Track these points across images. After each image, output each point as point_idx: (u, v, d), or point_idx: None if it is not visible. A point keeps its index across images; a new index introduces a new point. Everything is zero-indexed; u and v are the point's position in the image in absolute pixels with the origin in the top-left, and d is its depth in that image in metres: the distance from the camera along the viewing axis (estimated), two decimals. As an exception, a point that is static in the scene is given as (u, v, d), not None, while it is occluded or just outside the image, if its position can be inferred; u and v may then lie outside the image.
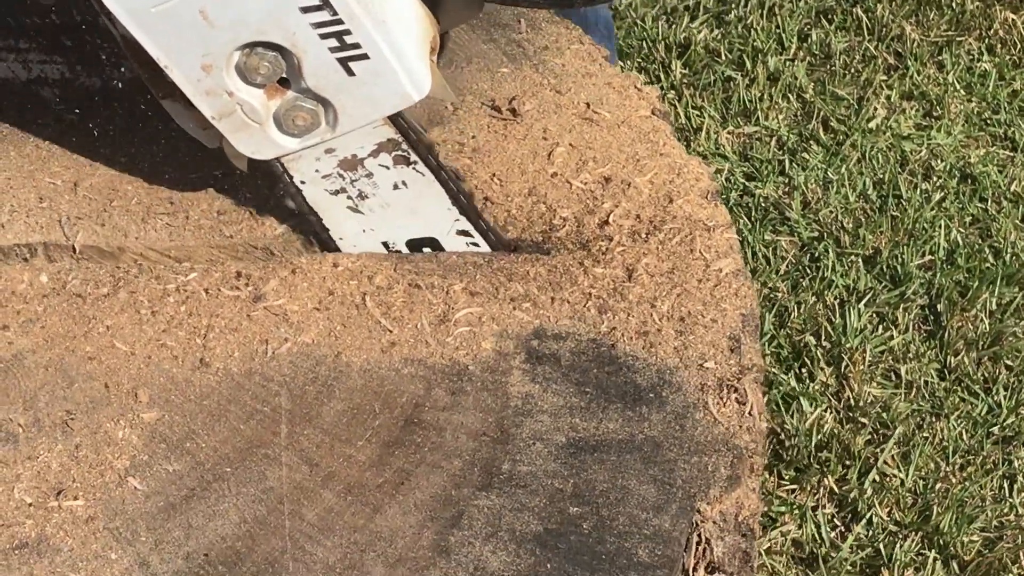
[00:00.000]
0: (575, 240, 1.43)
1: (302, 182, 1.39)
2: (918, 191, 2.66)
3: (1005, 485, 2.20)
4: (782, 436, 2.24)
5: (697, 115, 2.79)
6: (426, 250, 1.43)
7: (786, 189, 2.66)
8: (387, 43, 1.27)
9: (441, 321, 1.35)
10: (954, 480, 2.18)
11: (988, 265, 2.52)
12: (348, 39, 1.26)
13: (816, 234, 2.57)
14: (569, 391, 1.31)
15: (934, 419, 2.28)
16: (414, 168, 1.38)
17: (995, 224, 2.61)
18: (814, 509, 2.16)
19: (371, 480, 1.24)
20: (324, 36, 1.26)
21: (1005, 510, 2.17)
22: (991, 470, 2.21)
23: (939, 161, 2.73)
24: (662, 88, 2.86)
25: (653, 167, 1.49)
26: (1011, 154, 2.76)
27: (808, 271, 2.50)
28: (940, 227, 2.57)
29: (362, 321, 1.35)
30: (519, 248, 1.43)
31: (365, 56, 1.27)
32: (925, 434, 2.25)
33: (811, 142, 2.76)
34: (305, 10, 1.24)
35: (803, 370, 2.33)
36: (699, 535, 1.27)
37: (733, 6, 3.04)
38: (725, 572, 1.32)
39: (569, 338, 1.35)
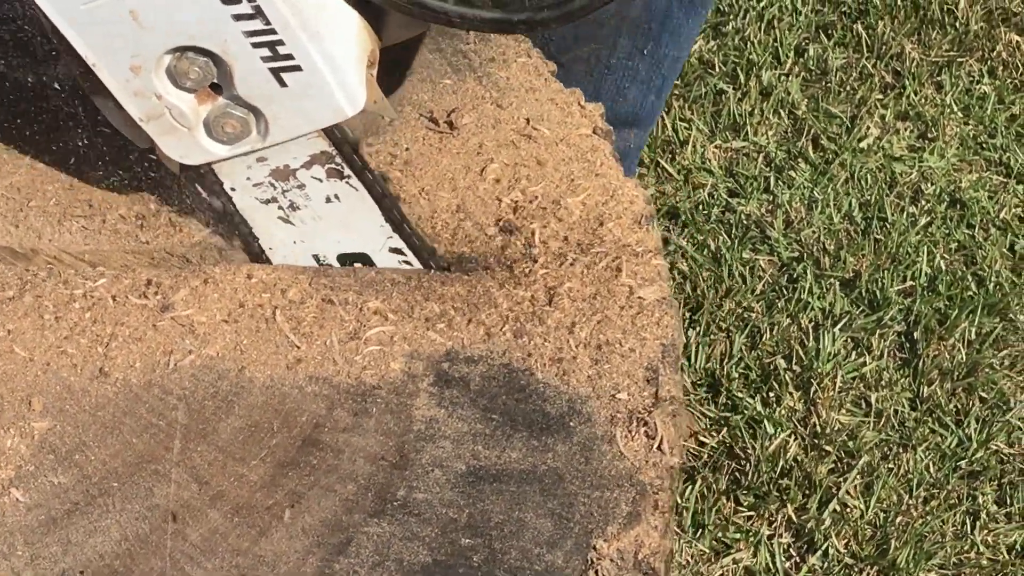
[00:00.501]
0: (499, 260, 1.40)
1: (232, 189, 1.36)
2: (904, 214, 2.62)
3: (968, 521, 2.15)
4: (744, 461, 2.20)
5: (685, 127, 2.75)
6: (357, 266, 1.40)
7: (770, 207, 2.62)
8: (321, 55, 1.23)
9: (351, 339, 1.32)
10: (915, 514, 2.14)
11: (970, 294, 2.47)
12: (281, 49, 1.23)
13: (796, 254, 2.53)
14: (475, 417, 1.27)
15: (901, 450, 2.23)
16: (347, 182, 1.35)
17: (981, 252, 2.56)
18: (770, 538, 2.12)
19: (261, 501, 1.21)
20: (256, 45, 1.23)
21: (966, 547, 2.12)
22: (955, 505, 2.17)
23: (929, 184, 2.68)
24: (653, 99, 2.82)
25: (587, 188, 1.45)
26: (1004, 180, 2.72)
27: (785, 292, 2.46)
28: (924, 252, 2.53)
29: (270, 336, 1.32)
30: (441, 265, 1.39)
31: (298, 68, 1.24)
32: (890, 465, 2.21)
33: (799, 160, 2.72)
34: (238, 18, 1.21)
35: (771, 394, 2.29)
36: (595, 573, 1.23)
37: (732, 18, 2.99)
38: (625, 611, 1.28)
39: (481, 362, 1.31)
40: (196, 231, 1.41)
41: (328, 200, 1.38)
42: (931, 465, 2.22)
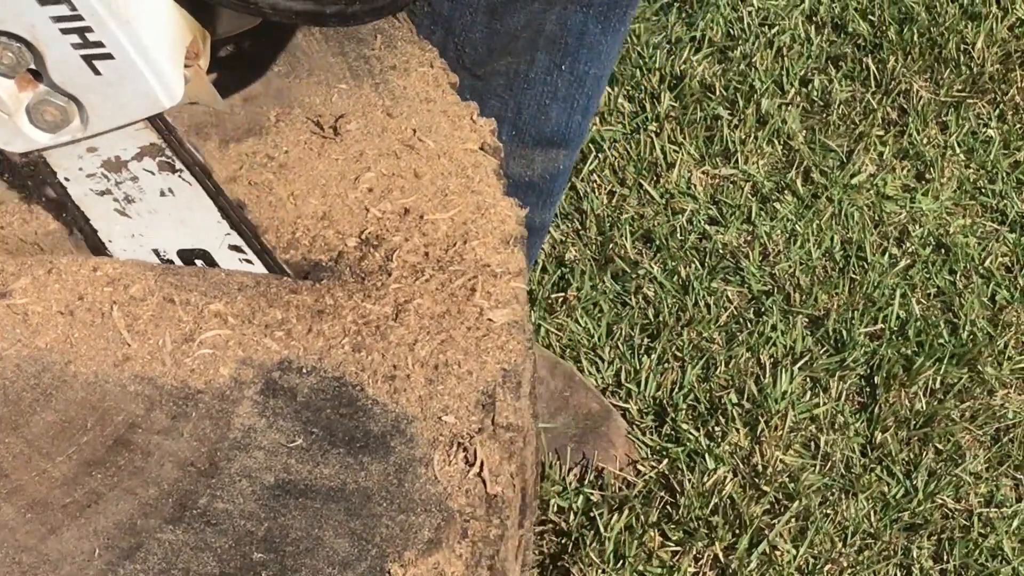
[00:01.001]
0: (355, 271, 1.37)
1: (66, 179, 1.34)
2: (886, 255, 2.56)
3: (898, 575, 2.09)
4: (679, 495, 2.15)
5: (674, 151, 2.71)
6: (198, 262, 1.37)
7: (748, 238, 2.57)
8: (132, 44, 1.21)
9: (185, 340, 1.29)
10: (846, 563, 2.09)
11: (941, 341, 2.41)
12: (90, 36, 1.21)
13: (767, 288, 2.48)
14: (295, 429, 1.25)
15: (843, 496, 2.18)
16: (180, 176, 1.33)
17: (959, 299, 2.50)
18: (694, 575, 2.07)
19: (58, 499, 1.19)
20: (65, 31, 1.21)
21: (892, 600, 2.07)
22: (889, 557, 2.11)
23: (917, 227, 2.63)
24: (646, 119, 2.78)
25: (459, 204, 1.43)
26: (996, 228, 2.65)
27: (749, 325, 2.41)
28: (899, 296, 2.47)
29: (103, 331, 1.30)
30: (296, 271, 1.37)
31: (110, 56, 1.22)
32: (829, 511, 2.16)
33: (786, 192, 2.67)
34: (43, 2, 1.19)
35: (717, 428, 2.25)
36: (393, 598, 1.20)
37: (741, 42, 2.95)
38: (427, 640, 1.25)
39: (314, 373, 1.28)
40: (51, 220, 1.39)
41: (162, 194, 1.36)
42: (872, 514, 2.17)
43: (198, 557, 1.16)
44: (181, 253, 1.37)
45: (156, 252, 1.37)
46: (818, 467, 2.20)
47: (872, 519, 2.15)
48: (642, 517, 2.10)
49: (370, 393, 1.28)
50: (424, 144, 1.48)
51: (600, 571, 2.04)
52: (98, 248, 1.37)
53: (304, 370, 1.29)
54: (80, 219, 1.36)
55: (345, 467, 1.23)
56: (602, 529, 2.08)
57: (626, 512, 2.09)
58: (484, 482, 1.25)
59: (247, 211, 1.38)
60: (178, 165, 1.32)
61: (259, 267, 1.37)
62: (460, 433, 1.25)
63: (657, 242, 2.53)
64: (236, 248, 1.36)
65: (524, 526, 1.44)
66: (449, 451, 1.24)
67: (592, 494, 2.13)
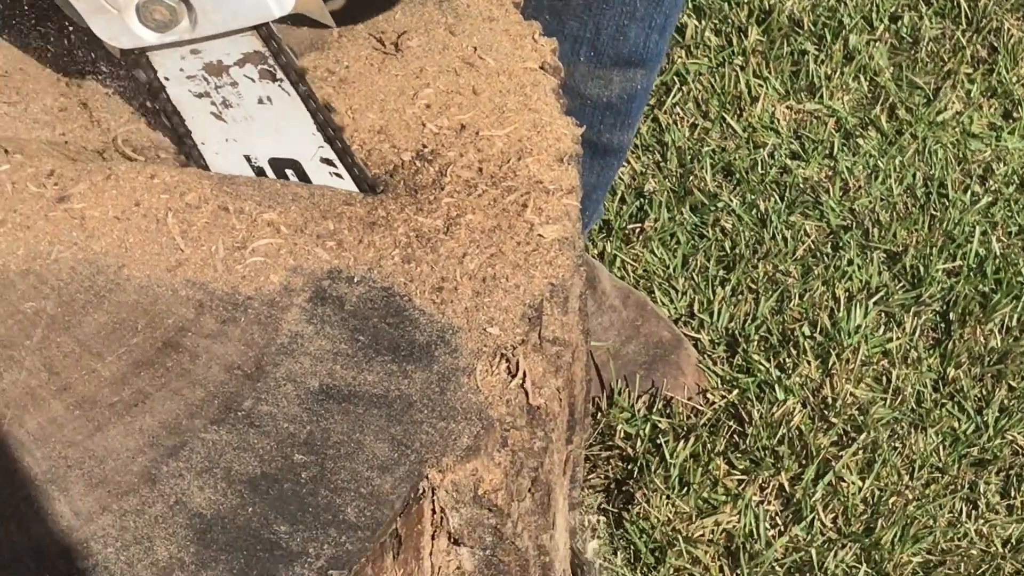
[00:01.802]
0: (409, 184, 1.38)
1: (166, 79, 1.36)
2: (968, 193, 2.53)
3: (965, 509, 2.09)
4: (747, 424, 2.15)
5: (759, 85, 2.69)
6: (289, 172, 1.39)
7: (830, 173, 2.55)
8: None
9: (238, 248, 1.31)
10: (911, 496, 2.08)
11: (1019, 279, 2.38)
12: None
13: (846, 223, 2.47)
14: (342, 337, 1.26)
15: (912, 430, 2.17)
16: (280, 86, 1.35)
17: (1041, 237, 2.47)
18: (758, 504, 2.07)
19: (106, 397, 1.21)
20: None
21: (958, 535, 2.06)
22: (955, 491, 2.10)
23: (1001, 165, 2.60)
24: (732, 53, 2.77)
25: (515, 121, 1.43)
26: (1084, 168, 2.61)
27: (825, 259, 2.40)
28: (978, 233, 2.44)
29: (158, 237, 1.32)
30: (385, 186, 1.38)
31: None
32: (897, 444, 2.15)
33: (870, 128, 2.65)
34: None
35: (788, 360, 2.24)
36: (434, 504, 1.22)
37: (832, -22, 2.92)
38: (467, 546, 1.26)
39: (363, 283, 1.30)
40: (115, 127, 1.41)
41: (260, 101, 1.37)
42: (940, 448, 2.16)
43: (240, 457, 1.18)
44: (273, 162, 1.38)
45: (247, 158, 1.38)
46: (888, 401, 2.19)
47: (941, 453, 2.14)
48: (708, 445, 2.10)
49: (417, 303, 1.29)
50: (484, 62, 1.49)
51: (664, 497, 2.05)
52: (188, 152, 1.39)
53: (353, 279, 1.30)
54: (175, 120, 1.37)
55: (389, 374, 1.24)
56: (668, 456, 2.09)
57: (692, 440, 2.10)
58: (526, 393, 1.26)
59: (343, 131, 1.39)
60: (279, 75, 1.33)
61: (348, 182, 1.38)
62: (504, 344, 1.26)
63: (737, 175, 2.52)
64: (327, 161, 1.37)
65: (573, 442, 1.45)
66: (492, 362, 1.25)
67: (660, 421, 2.13)
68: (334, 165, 1.38)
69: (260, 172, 1.40)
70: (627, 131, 2.04)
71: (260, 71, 1.35)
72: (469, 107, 1.44)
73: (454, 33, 1.52)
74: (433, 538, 1.24)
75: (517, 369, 1.25)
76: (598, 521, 2.03)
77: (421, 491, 1.18)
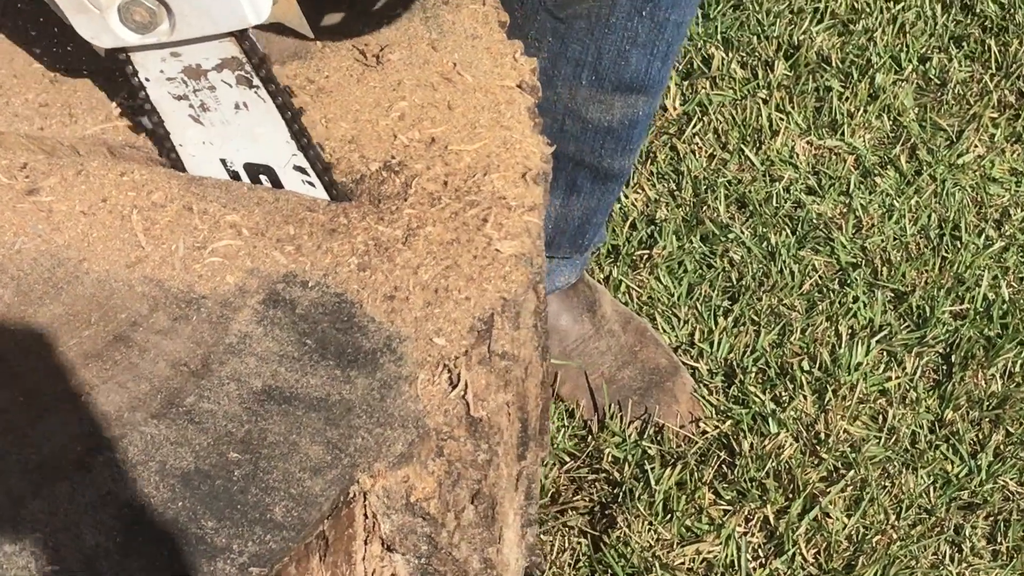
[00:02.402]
0: (374, 194, 1.40)
1: (147, 79, 1.38)
2: (982, 237, 2.53)
3: (948, 551, 2.08)
4: (737, 455, 2.16)
5: (781, 119, 2.70)
6: (263, 177, 1.41)
7: (844, 210, 2.55)
8: None
9: (198, 247, 1.34)
10: (895, 536, 2.08)
11: (1025, 326, 2.38)
12: None
13: (856, 260, 2.46)
14: (290, 339, 1.28)
15: (903, 470, 2.17)
16: (256, 92, 1.37)
17: (1052, 285, 2.46)
18: (741, 535, 2.08)
19: (52, 386, 1.23)
20: None
21: (939, 576, 2.05)
22: (941, 533, 2.10)
23: (1019, 210, 2.59)
24: (757, 86, 2.77)
25: (486, 137, 1.45)
26: (1103, 218, 2.60)
27: (831, 295, 2.40)
28: (988, 277, 2.44)
29: (121, 233, 1.35)
30: (352, 195, 1.40)
31: None
32: (886, 483, 2.14)
33: (889, 167, 2.65)
34: None
35: (784, 394, 2.24)
36: (365, 509, 1.23)
37: (863, 16, 2.92)
38: (400, 553, 1.28)
39: (316, 288, 1.32)
40: (91, 124, 1.44)
41: (237, 107, 1.39)
42: (931, 490, 2.15)
43: (176, 452, 1.20)
44: (247, 167, 1.41)
45: (224, 162, 1.41)
46: (882, 440, 2.19)
47: (931, 495, 2.13)
48: (696, 474, 2.11)
49: (368, 311, 1.31)
50: (462, 78, 1.51)
51: (646, 523, 2.05)
52: (168, 153, 1.41)
53: (308, 284, 1.32)
54: (154, 119, 1.40)
55: (332, 379, 1.26)
56: (652, 482, 2.09)
57: (680, 467, 2.10)
58: (468, 405, 1.27)
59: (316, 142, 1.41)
60: (255, 81, 1.36)
61: (320, 190, 1.40)
62: (448, 355, 1.27)
63: (751, 207, 2.53)
64: (300, 169, 1.40)
65: (527, 458, 1.46)
66: (435, 371, 1.26)
67: (649, 448, 2.14)
68: (306, 173, 1.40)
69: (235, 176, 1.42)
70: (628, 156, 2.05)
71: (237, 76, 1.37)
72: (442, 121, 1.46)
73: (436, 48, 1.53)
74: (366, 543, 1.25)
75: (458, 380, 1.26)
76: (578, 543, 2.04)
77: (352, 495, 1.20)
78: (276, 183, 1.42)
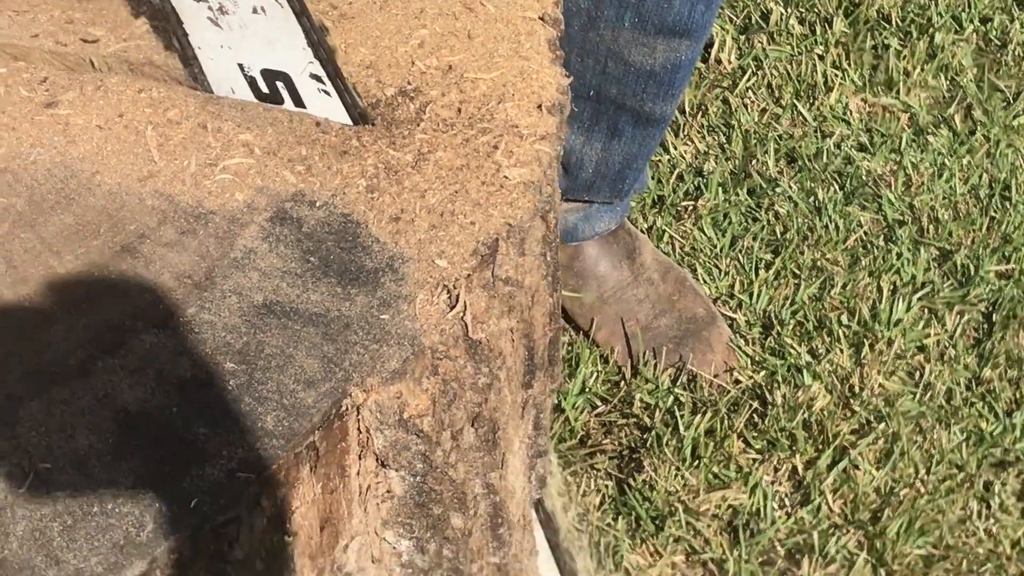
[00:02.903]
0: (387, 118, 1.41)
1: None
2: (1033, 198, 2.51)
3: (976, 507, 2.07)
4: (770, 406, 2.16)
5: (836, 75, 2.69)
6: (279, 84, 1.42)
7: (894, 167, 2.54)
8: None
9: (209, 164, 1.35)
10: (924, 490, 2.07)
11: (1071, 288, 2.36)
12: None
13: (903, 218, 2.45)
14: (294, 256, 1.30)
15: (937, 426, 2.16)
16: None
17: (1100, 249, 2.44)
18: (770, 483, 2.08)
19: (57, 293, 1.26)
20: None
21: (965, 532, 2.04)
22: (970, 489, 2.09)
23: (1072, 173, 2.56)
24: (814, 42, 2.76)
25: (503, 67, 1.46)
26: None
27: (875, 251, 2.39)
28: (1037, 238, 2.42)
29: (135, 148, 1.36)
30: (369, 109, 1.41)
31: None
32: (918, 438, 2.14)
33: (943, 126, 2.63)
34: None
35: (821, 347, 2.24)
36: (359, 424, 1.25)
37: (926, -25, 2.90)
38: (394, 469, 1.29)
39: (324, 208, 1.33)
40: (114, 42, 1.46)
41: (255, 11, 1.41)
42: (963, 447, 2.14)
43: (174, 360, 1.22)
44: (264, 72, 1.42)
45: (241, 67, 1.42)
46: (917, 396, 2.18)
47: (963, 451, 2.12)
48: (726, 422, 2.11)
49: (373, 231, 1.32)
50: (484, 8, 1.51)
51: (673, 468, 2.06)
52: (187, 59, 1.43)
53: (315, 203, 1.33)
54: (174, 20, 1.41)
55: (332, 296, 1.27)
56: (682, 428, 2.09)
57: (709, 415, 2.10)
58: (466, 326, 1.28)
59: (327, 36, 1.41)
60: None
61: (335, 100, 1.41)
62: (449, 277, 1.28)
63: (800, 162, 2.52)
64: (316, 77, 1.41)
65: (533, 387, 1.47)
66: (434, 292, 1.27)
67: (681, 395, 2.14)
68: (322, 82, 1.41)
69: (252, 82, 1.43)
70: (670, 102, 2.05)
71: None
72: (461, 50, 1.47)
73: (461, -22, 1.54)
74: (360, 458, 1.27)
75: (456, 301, 1.27)
76: (605, 486, 2.05)
77: (344, 408, 1.21)
78: (292, 90, 1.43)
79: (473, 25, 1.50)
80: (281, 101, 1.41)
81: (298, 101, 1.41)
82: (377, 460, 1.28)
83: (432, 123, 1.40)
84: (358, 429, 1.25)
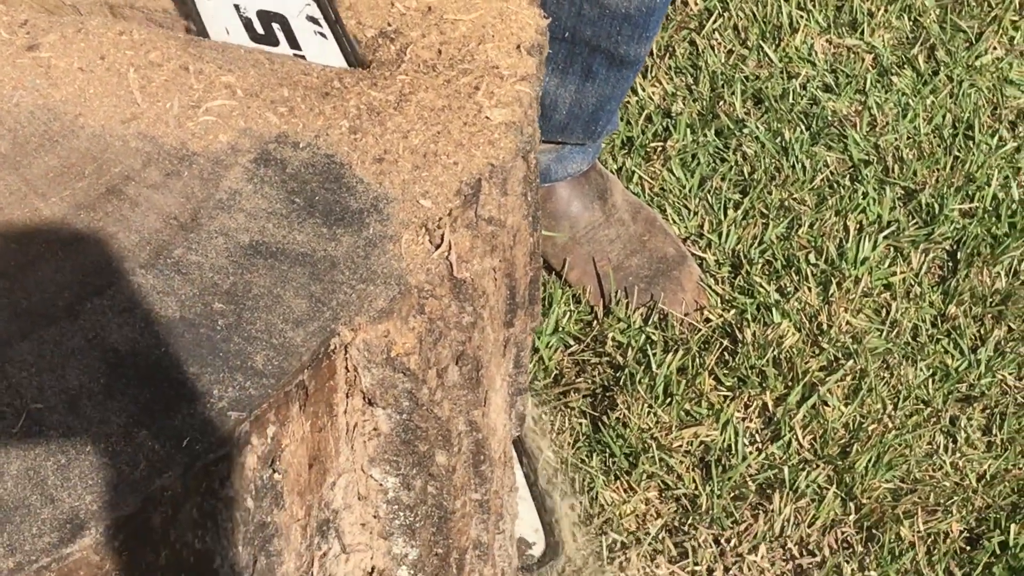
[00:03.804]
0: (367, 61, 1.42)
1: None
2: (995, 137, 2.53)
3: (943, 442, 2.10)
4: (741, 344, 2.18)
5: (801, 16, 2.70)
6: (275, 25, 1.42)
7: (859, 108, 2.56)
8: None
9: (192, 106, 1.36)
10: (891, 425, 2.10)
11: (1034, 225, 2.39)
12: None
13: (868, 158, 2.47)
14: (278, 197, 1.31)
15: (903, 362, 2.19)
16: None
17: (1063, 186, 2.47)
18: (740, 420, 2.10)
19: (44, 235, 1.26)
20: None
21: (933, 467, 2.08)
22: (936, 423, 2.12)
23: (1035, 112, 2.59)
24: (778, -16, 2.77)
25: (482, 8, 1.46)
26: (1119, 121, 2.60)
27: (841, 191, 2.41)
28: (999, 176, 2.44)
29: (117, 90, 1.37)
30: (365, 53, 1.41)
31: None
32: (885, 374, 2.17)
33: (906, 67, 2.65)
34: None
35: (789, 285, 2.26)
36: (347, 362, 1.26)
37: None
38: (381, 407, 1.31)
39: (307, 149, 1.34)
40: (94, -13, 1.46)
41: None
42: (929, 383, 2.17)
43: (162, 300, 1.23)
44: (260, 14, 1.42)
45: (236, 7, 1.42)
46: (884, 332, 2.21)
47: (929, 387, 2.15)
48: (698, 360, 2.13)
49: (357, 172, 1.33)
50: (463, -50, 1.52)
51: (646, 405, 2.08)
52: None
53: (299, 145, 1.34)
54: None
55: (318, 236, 1.28)
56: (654, 367, 2.12)
57: (681, 353, 2.13)
58: (451, 265, 1.29)
59: None
60: None
61: (331, 42, 1.41)
62: (433, 217, 1.29)
63: (766, 103, 2.54)
64: (312, 20, 1.41)
65: (515, 326, 1.49)
66: (419, 232, 1.29)
67: (653, 334, 2.16)
68: (319, 24, 1.42)
69: (248, 23, 1.43)
70: (643, 44, 2.07)
71: None
72: (440, -8, 1.48)
73: (438, -79, 1.54)
74: (348, 396, 1.28)
75: (441, 240, 1.28)
76: (579, 423, 2.07)
77: (332, 347, 1.22)
78: (288, 32, 1.43)
79: (452, -34, 1.50)
80: (276, 43, 1.41)
81: (293, 43, 1.41)
82: (364, 398, 1.29)
83: (413, 64, 1.41)
84: (346, 368, 1.26)
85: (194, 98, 1.36)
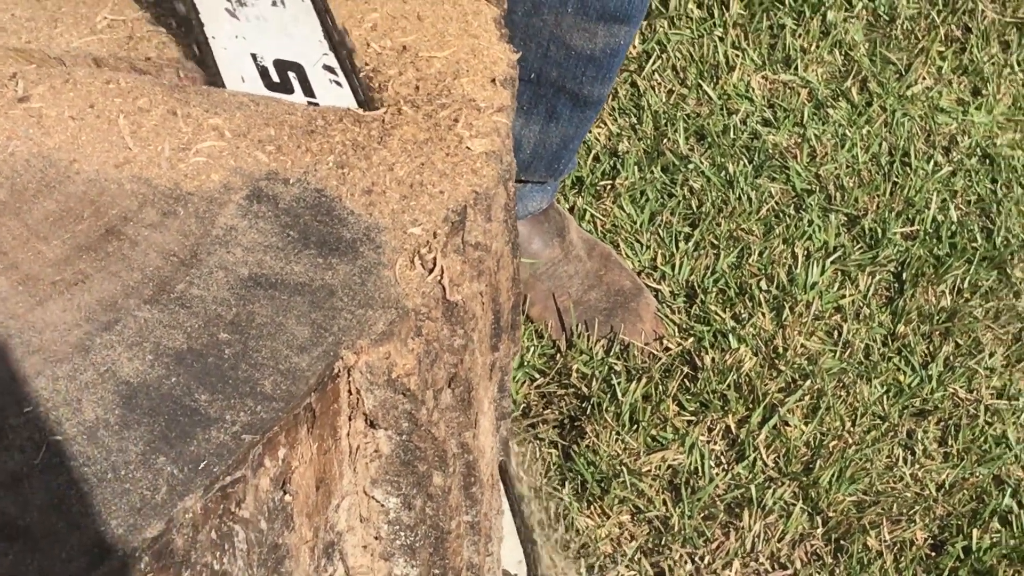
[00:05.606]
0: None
1: None
2: (931, 163, 2.61)
3: (901, 454, 2.17)
4: (700, 370, 2.24)
5: (736, 55, 2.78)
6: (291, 74, 1.47)
7: (798, 140, 2.63)
8: None
9: (183, 148, 1.40)
10: (851, 441, 2.16)
11: (973, 244, 2.46)
12: None
13: (810, 187, 2.55)
14: (273, 231, 1.35)
15: (858, 381, 2.25)
16: None
17: (998, 206, 2.55)
18: (705, 443, 2.16)
19: (49, 276, 1.30)
20: None
21: (894, 479, 2.14)
22: (894, 437, 2.18)
23: (966, 138, 2.68)
24: (713, 25, 2.85)
25: (454, 45, 1.52)
26: (1048, 143, 2.69)
27: (787, 219, 2.48)
28: (938, 200, 2.52)
29: (109, 136, 1.41)
30: (380, 99, 1.46)
31: None
32: (842, 393, 2.23)
33: (841, 99, 2.73)
34: None
35: (743, 312, 2.33)
36: (350, 386, 1.30)
37: (816, -43, 3.00)
38: (383, 428, 1.35)
39: (297, 184, 1.39)
40: (76, 37, 1.51)
41: (274, 3, 1.45)
42: (884, 399, 2.24)
43: (169, 333, 1.27)
44: (277, 63, 1.46)
45: (254, 56, 1.46)
46: (838, 353, 2.27)
47: (884, 403, 2.22)
48: (661, 387, 2.19)
49: (347, 204, 1.38)
50: (431, -10, 1.58)
51: (614, 433, 2.13)
52: (201, 45, 1.47)
53: (289, 181, 1.39)
54: (191, 9, 1.45)
55: (315, 266, 1.33)
56: (619, 395, 2.17)
57: (644, 381, 2.18)
58: (443, 288, 1.34)
59: (348, 36, 1.46)
60: None
61: (346, 90, 1.46)
62: (424, 243, 1.34)
63: (709, 139, 2.61)
64: (329, 68, 1.46)
65: (499, 350, 1.54)
66: (412, 258, 1.34)
67: (615, 364, 2.22)
68: (335, 73, 1.47)
69: (264, 71, 1.48)
70: (606, 85, 2.13)
71: None
72: (412, 31, 1.53)
73: (405, -36, 1.60)
74: (350, 419, 1.32)
75: (434, 265, 1.33)
76: (549, 454, 2.12)
77: (336, 371, 1.27)
78: (304, 81, 1.48)
79: (421, 7, 1.56)
80: (291, 91, 1.46)
81: (308, 91, 1.46)
82: (366, 420, 1.34)
83: (393, 100, 1.46)
84: (349, 391, 1.30)
85: (184, 140, 1.41)
